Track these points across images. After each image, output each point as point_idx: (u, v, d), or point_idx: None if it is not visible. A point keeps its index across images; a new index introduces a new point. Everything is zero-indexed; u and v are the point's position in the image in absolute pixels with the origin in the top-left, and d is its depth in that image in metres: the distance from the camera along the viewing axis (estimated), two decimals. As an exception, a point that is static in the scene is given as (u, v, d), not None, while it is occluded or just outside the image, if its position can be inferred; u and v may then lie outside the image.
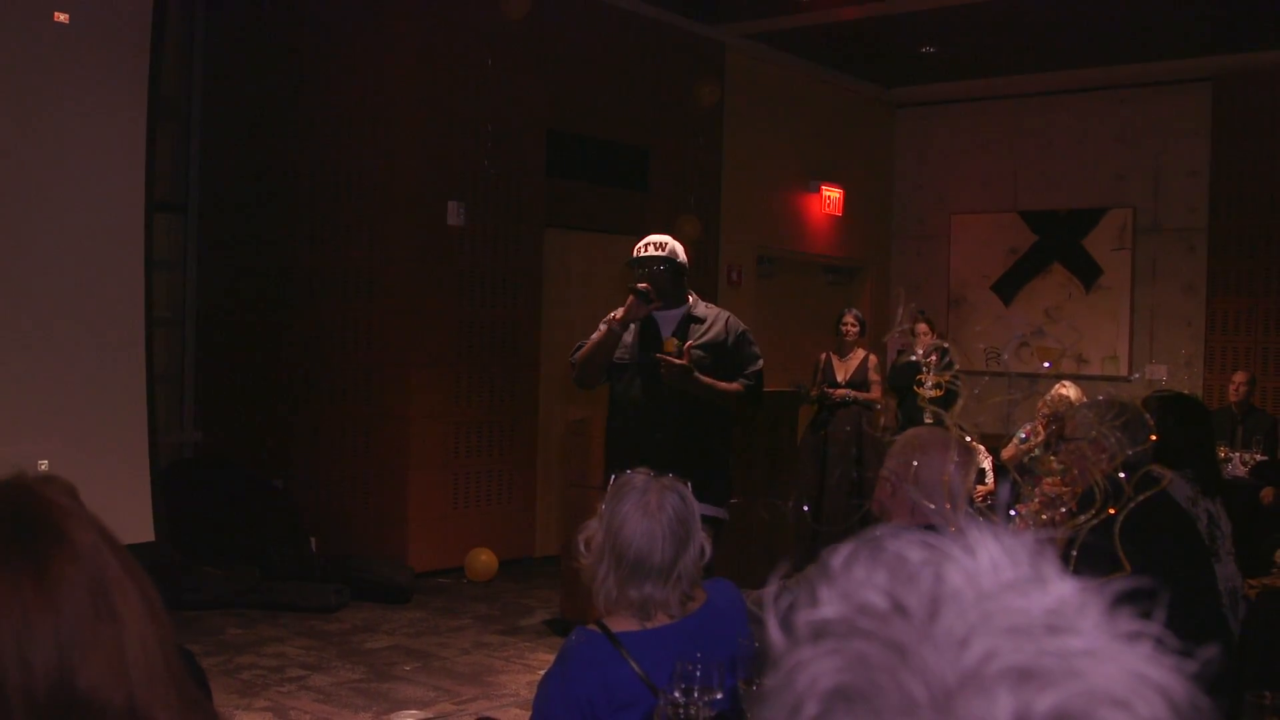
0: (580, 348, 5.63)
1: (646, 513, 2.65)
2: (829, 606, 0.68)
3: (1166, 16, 10.21)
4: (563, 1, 9.70)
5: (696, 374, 5.22)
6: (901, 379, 9.40)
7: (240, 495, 8.97)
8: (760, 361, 5.50)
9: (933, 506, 2.66)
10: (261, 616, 7.70)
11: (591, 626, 2.68)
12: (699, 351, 5.33)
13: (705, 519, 4.82)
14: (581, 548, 2.73)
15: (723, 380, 5.35)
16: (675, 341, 5.31)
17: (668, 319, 5.48)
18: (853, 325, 9.53)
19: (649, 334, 5.47)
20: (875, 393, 9.50)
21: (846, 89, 12.84)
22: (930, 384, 9.75)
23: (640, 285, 5.38)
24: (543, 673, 6.60)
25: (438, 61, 8.96)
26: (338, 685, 6.40)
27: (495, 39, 9.18)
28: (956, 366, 2.72)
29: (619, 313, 5.43)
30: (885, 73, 12.74)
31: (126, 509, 7.55)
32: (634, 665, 2.59)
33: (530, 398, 9.59)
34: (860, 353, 9.58)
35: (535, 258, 9.64)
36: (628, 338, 5.50)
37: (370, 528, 8.92)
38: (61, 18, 7.69)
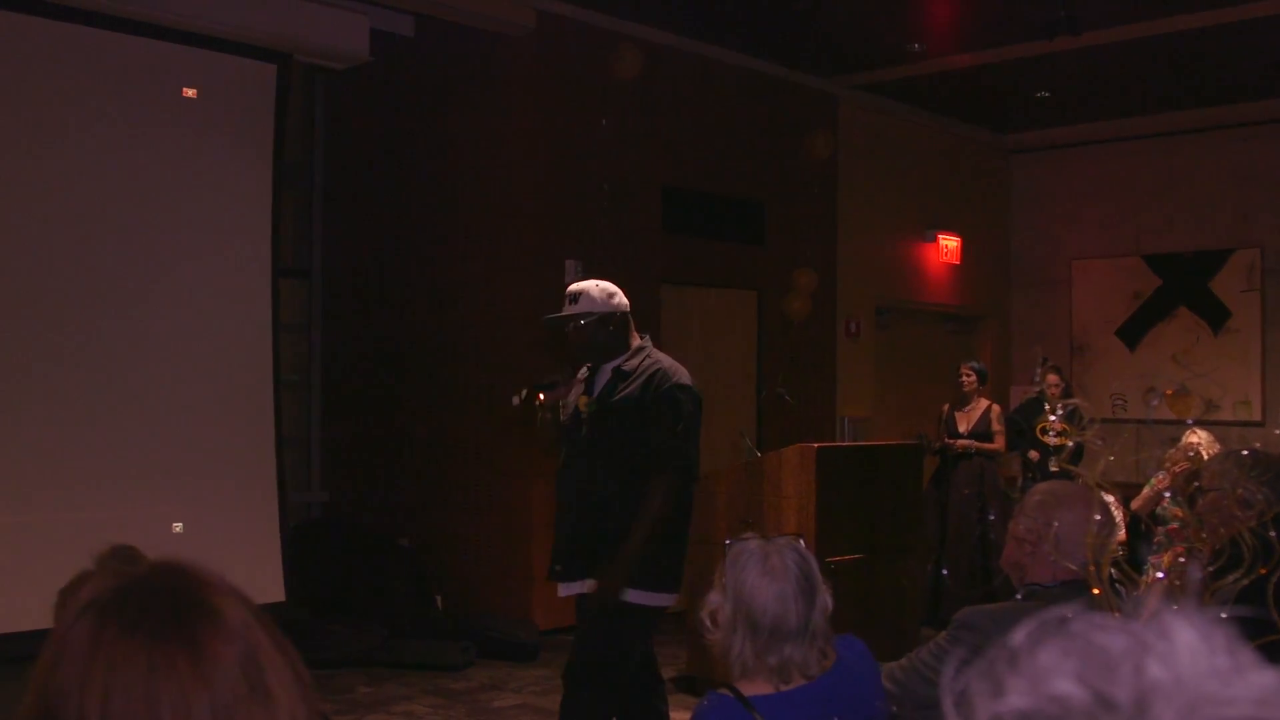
0: None
1: (773, 576, 2.61)
2: (1017, 696, 0.66)
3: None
4: (674, 59, 9.78)
5: (615, 583, 4.56)
6: (1024, 416, 9.29)
7: (367, 554, 9.07)
8: (680, 426, 4.74)
9: (1074, 568, 2.60)
10: (389, 675, 7.76)
11: (723, 690, 2.65)
12: (594, 406, 4.78)
13: (639, 609, 4.68)
14: (707, 622, 2.68)
15: (637, 438, 4.71)
16: (586, 399, 4.81)
17: (604, 373, 4.90)
18: (969, 376, 9.42)
19: (586, 391, 4.93)
20: (999, 443, 9.36)
21: (961, 136, 12.75)
22: (1055, 433, 9.53)
23: (538, 397, 4.94)
24: (670, 731, 6.51)
25: (553, 123, 9.06)
26: (465, 744, 6.41)
27: (609, 99, 9.27)
28: (1096, 426, 2.64)
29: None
30: (1000, 119, 12.63)
31: (257, 569, 7.67)
32: (768, 728, 2.56)
33: (650, 454, 9.58)
34: (983, 403, 9.45)
35: (653, 314, 9.65)
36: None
37: (495, 585, 8.96)
38: (190, 93, 7.93)
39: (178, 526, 7.71)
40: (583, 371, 4.97)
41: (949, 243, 12.54)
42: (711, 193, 10.14)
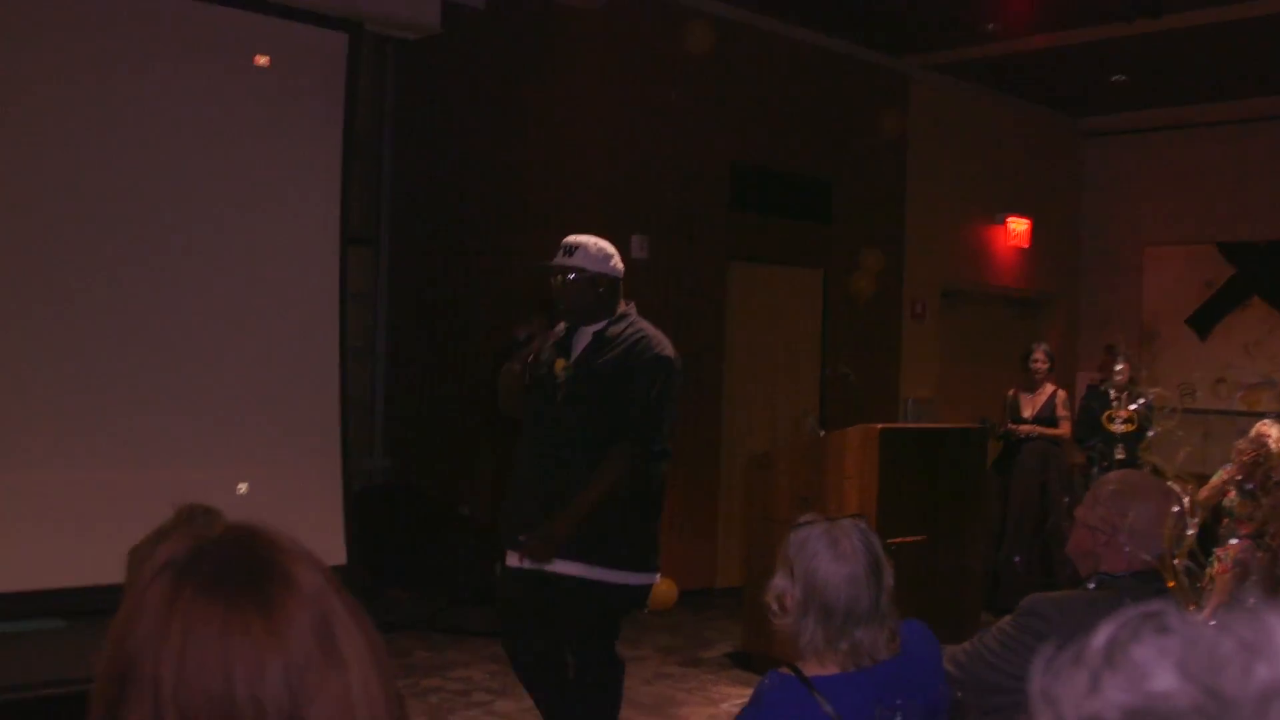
0: None
1: (844, 560, 2.59)
2: (1116, 692, 0.64)
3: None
4: (746, 35, 9.73)
5: (559, 531, 4.43)
6: (1098, 405, 9.23)
7: (428, 521, 9.14)
8: (653, 398, 4.57)
9: (1149, 559, 2.56)
10: (448, 640, 7.82)
11: (784, 670, 2.64)
12: (571, 371, 4.58)
13: (631, 588, 4.53)
14: (774, 607, 2.65)
15: (613, 408, 4.53)
16: (564, 363, 4.59)
17: (584, 336, 4.68)
18: (1042, 361, 9.31)
19: (555, 350, 4.73)
20: (1064, 429, 9.26)
21: (1033, 119, 12.60)
22: (1121, 419, 9.44)
23: (521, 332, 4.68)
24: (724, 706, 6.56)
25: (622, 97, 9.05)
26: (522, 711, 6.44)
27: (679, 74, 9.25)
28: (1177, 418, 2.60)
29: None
30: (1074, 102, 12.47)
31: (321, 532, 7.74)
32: (829, 709, 2.55)
33: (713, 429, 9.58)
34: (1049, 388, 9.36)
35: (718, 291, 9.65)
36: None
37: (553, 557, 8.98)
38: (262, 61, 7.98)
39: (242, 488, 7.79)
40: (559, 328, 4.73)
41: (1018, 226, 12.41)
42: (780, 170, 10.09)
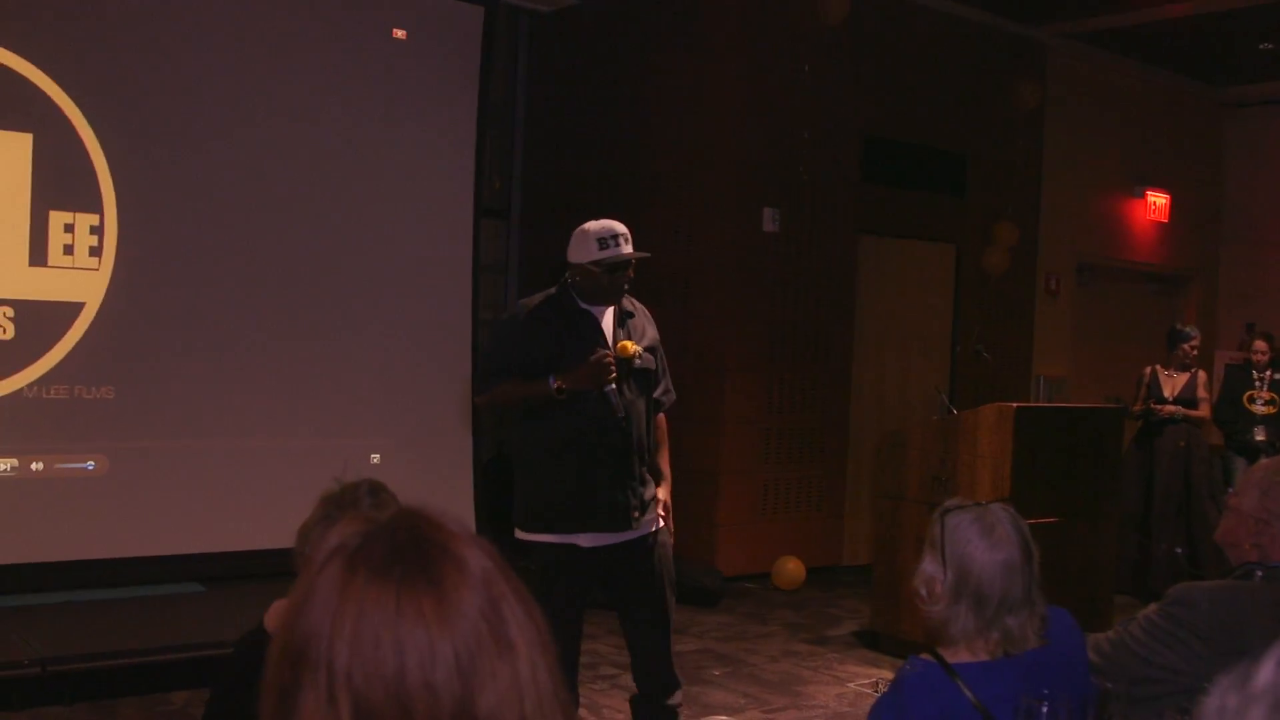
0: (493, 371, 4.42)
1: (999, 546, 2.54)
2: None
3: None
4: (880, 5, 9.60)
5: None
6: (1234, 383, 9.02)
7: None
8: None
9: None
10: (575, 613, 7.87)
11: (925, 656, 2.60)
12: (650, 356, 4.48)
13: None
14: (923, 593, 2.61)
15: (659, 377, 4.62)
16: (633, 346, 4.37)
17: (602, 315, 4.45)
18: (1196, 348, 9.06)
19: (587, 335, 4.38)
20: (1204, 410, 9.03)
21: (1175, 88, 12.27)
22: (1263, 400, 9.19)
23: (609, 361, 4.28)
24: (850, 685, 6.52)
25: (756, 69, 8.99)
26: (649, 686, 6.48)
27: (813, 45, 9.15)
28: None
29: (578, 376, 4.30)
30: (1218, 71, 12.12)
31: (451, 502, 7.84)
32: (971, 697, 2.51)
33: (841, 405, 9.51)
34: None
35: (849, 264, 9.56)
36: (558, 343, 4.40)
37: (680, 530, 8.98)
38: (400, 34, 8.08)
39: (375, 458, 7.93)
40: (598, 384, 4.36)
41: (1157, 200, 12.12)
42: (913, 142, 9.95)
